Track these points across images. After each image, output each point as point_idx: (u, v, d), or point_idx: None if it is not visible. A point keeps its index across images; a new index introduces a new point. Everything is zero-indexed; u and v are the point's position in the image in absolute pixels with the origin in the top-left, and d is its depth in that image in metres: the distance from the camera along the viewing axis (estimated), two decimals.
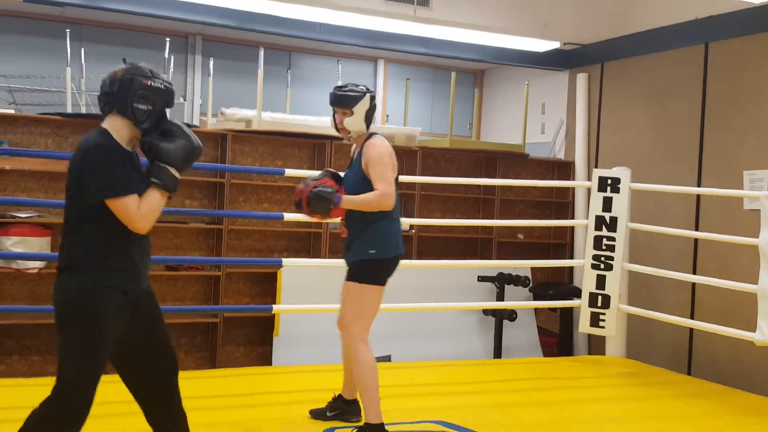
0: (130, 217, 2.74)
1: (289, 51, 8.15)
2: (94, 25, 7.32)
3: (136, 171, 2.86)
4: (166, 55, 6.46)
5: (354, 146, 3.93)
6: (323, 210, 3.70)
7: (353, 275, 3.75)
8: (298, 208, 3.79)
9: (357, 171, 3.75)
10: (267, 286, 6.31)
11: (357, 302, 3.72)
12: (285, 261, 5.37)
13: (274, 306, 5.59)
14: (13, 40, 6.95)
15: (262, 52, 6.37)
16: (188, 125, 6.01)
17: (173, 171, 2.86)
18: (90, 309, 2.74)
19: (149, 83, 2.84)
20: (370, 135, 3.80)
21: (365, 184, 3.69)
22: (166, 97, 2.89)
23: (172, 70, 6.62)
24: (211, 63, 6.80)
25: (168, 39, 6.61)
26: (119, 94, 2.81)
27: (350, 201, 3.68)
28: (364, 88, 3.81)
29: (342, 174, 3.92)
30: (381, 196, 3.65)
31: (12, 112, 5.97)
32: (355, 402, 3.98)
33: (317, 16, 6.27)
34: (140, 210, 2.76)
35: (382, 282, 3.76)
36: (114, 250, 2.80)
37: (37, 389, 3.26)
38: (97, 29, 7.36)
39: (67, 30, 6.15)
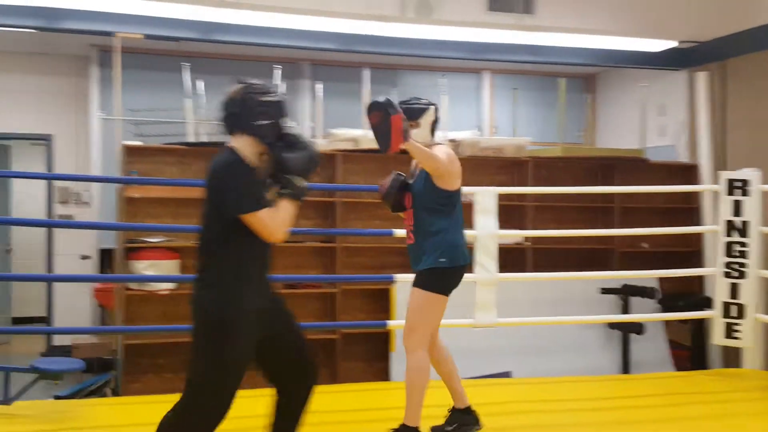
0: (267, 229, 2.86)
1: (393, 69, 8.22)
2: (209, 57, 7.66)
3: (263, 184, 2.97)
4: (277, 82, 6.66)
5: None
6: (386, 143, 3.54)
7: (421, 282, 3.78)
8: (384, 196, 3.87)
9: (424, 179, 3.78)
10: (381, 302, 6.35)
11: (421, 309, 3.77)
12: (397, 276, 5.39)
13: (388, 321, 5.62)
14: (137, 75, 7.38)
15: (366, 73, 6.45)
16: None
17: (300, 180, 2.95)
18: (227, 322, 2.86)
19: (265, 98, 2.95)
20: (434, 145, 3.83)
21: (432, 193, 3.74)
22: (282, 108, 3.00)
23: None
24: (319, 86, 6.94)
25: (278, 66, 6.81)
26: (240, 114, 2.93)
27: (416, 146, 3.60)
28: (427, 101, 3.87)
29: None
30: (439, 160, 3.66)
31: (139, 143, 6.32)
32: (469, 409, 4.00)
33: (421, 33, 6.29)
34: (275, 221, 2.88)
35: (447, 292, 3.79)
36: (249, 265, 2.93)
37: (169, 406, 3.42)
38: (213, 61, 7.69)
39: (185, 63, 6.46)
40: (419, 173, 3.86)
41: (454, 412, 4.03)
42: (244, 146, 2.94)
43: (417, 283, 3.80)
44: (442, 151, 3.77)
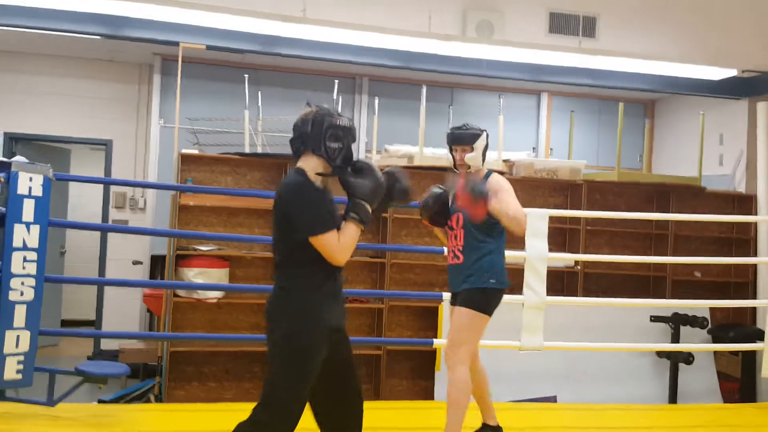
0: (332, 251, 2.95)
1: (450, 87, 8.24)
2: (269, 69, 7.76)
3: (330, 206, 3.07)
4: (335, 96, 6.73)
5: (459, 179, 4.00)
6: (476, 198, 3.71)
7: (469, 302, 3.86)
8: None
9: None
10: (429, 320, 6.34)
11: (469, 328, 3.85)
12: (446, 295, 5.37)
13: (435, 340, 5.61)
14: (197, 84, 7.52)
15: (424, 90, 6.49)
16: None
17: (367, 205, 3.03)
18: (298, 332, 2.94)
19: (338, 122, 3.04)
20: (489, 172, 3.99)
21: (485, 219, 3.81)
22: (352, 134, 3.10)
23: (340, 109, 6.87)
24: (377, 102, 7.00)
25: (336, 80, 6.89)
26: (312, 134, 3.01)
27: (502, 210, 3.76)
28: (479, 127, 4.02)
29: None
30: (522, 216, 3.81)
31: (196, 152, 6.43)
32: (499, 428, 4.14)
33: (480, 53, 6.30)
34: (341, 244, 2.96)
35: (491, 312, 3.89)
36: (322, 282, 3.01)
37: (214, 414, 3.47)
38: (272, 73, 7.80)
39: (245, 75, 6.57)
40: None
41: (484, 428, 4.14)
42: (314, 167, 3.03)
43: (465, 303, 3.88)
44: (504, 180, 3.94)
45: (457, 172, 4.07)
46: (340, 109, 6.70)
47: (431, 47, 6.16)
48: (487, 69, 6.86)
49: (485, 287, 3.85)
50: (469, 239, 3.89)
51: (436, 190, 4.04)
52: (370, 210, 3.04)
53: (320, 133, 3.00)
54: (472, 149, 3.96)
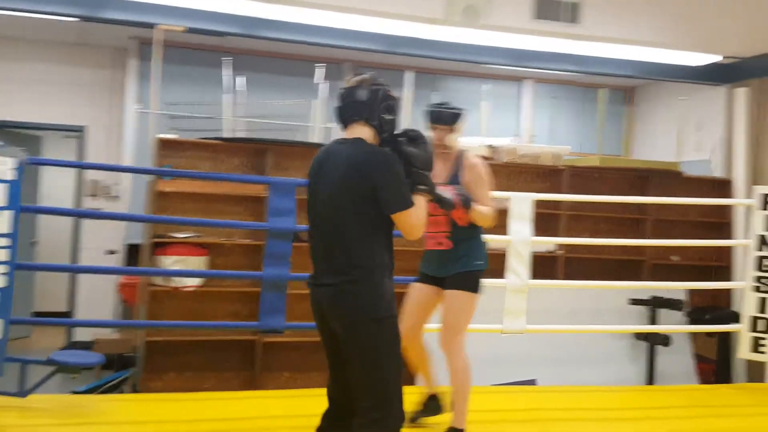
0: (414, 225, 2.86)
1: (434, 74, 8.20)
2: (249, 54, 7.66)
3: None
4: (319, 81, 6.65)
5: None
6: (465, 208, 3.72)
7: (462, 284, 3.81)
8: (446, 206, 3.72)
9: (456, 185, 3.80)
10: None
11: (464, 311, 3.82)
12: None
13: None
14: (174, 69, 7.38)
15: (408, 76, 6.44)
16: None
17: (429, 174, 2.98)
18: (390, 316, 2.85)
19: (392, 93, 2.99)
20: (463, 152, 3.91)
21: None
22: (399, 106, 3.05)
23: (323, 95, 6.81)
24: None
25: (319, 65, 6.81)
26: (369, 103, 2.91)
27: (479, 212, 3.76)
28: (458, 107, 3.94)
29: None
30: (495, 214, 3.83)
31: (175, 137, 6.33)
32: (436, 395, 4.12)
33: (465, 38, 6.27)
34: (419, 217, 2.89)
35: (481, 292, 3.88)
36: (390, 259, 2.92)
37: (193, 403, 3.37)
38: (253, 58, 7.69)
39: (227, 59, 6.46)
40: (449, 177, 3.86)
41: (431, 398, 4.14)
42: (368, 137, 2.92)
43: (458, 286, 3.82)
44: (481, 163, 3.88)
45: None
46: (323, 95, 6.75)
47: (416, 31, 6.11)
48: (472, 55, 6.84)
49: (472, 270, 3.84)
50: (459, 228, 3.85)
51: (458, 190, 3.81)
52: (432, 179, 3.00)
53: (376, 103, 2.91)
54: (452, 130, 3.87)
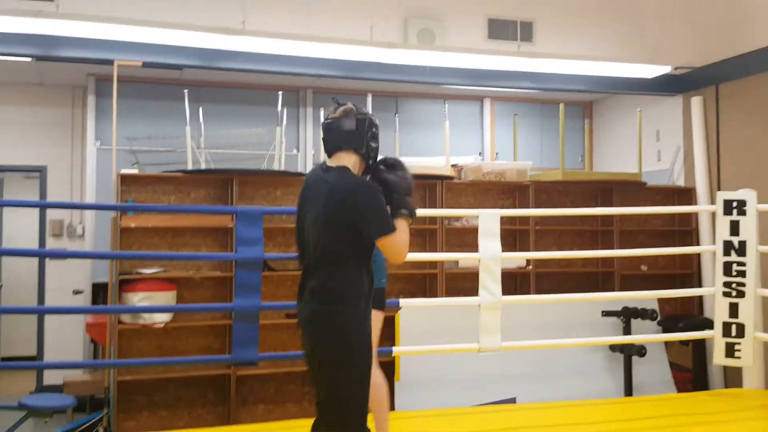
0: (398, 249, 2.93)
1: (395, 96, 8.25)
2: (209, 85, 7.64)
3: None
4: (279, 109, 6.65)
5: None
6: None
7: (376, 304, 3.71)
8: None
9: None
10: (385, 329, 6.26)
11: (379, 329, 3.80)
12: (402, 302, 5.35)
13: (393, 348, 5.56)
14: (134, 104, 7.34)
15: (369, 99, 6.47)
16: (300, 174, 6.15)
17: (409, 199, 3.04)
18: (364, 340, 2.90)
19: (376, 121, 3.09)
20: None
21: None
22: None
23: (285, 123, 6.80)
24: (322, 113, 6.95)
25: (280, 94, 6.81)
26: (357, 132, 2.99)
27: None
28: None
29: None
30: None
31: (136, 171, 6.26)
32: None
33: (422, 60, 6.33)
34: (403, 241, 2.94)
35: None
36: (367, 285, 2.97)
37: None
38: (213, 89, 7.67)
39: (185, 91, 6.44)
40: None
41: None
42: (353, 165, 3.00)
43: (380, 305, 3.80)
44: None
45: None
46: (285, 122, 6.76)
47: (374, 56, 6.16)
48: (430, 76, 6.89)
49: (382, 287, 3.85)
50: None
51: None
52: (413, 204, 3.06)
53: (363, 132, 2.99)
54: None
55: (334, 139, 3.03)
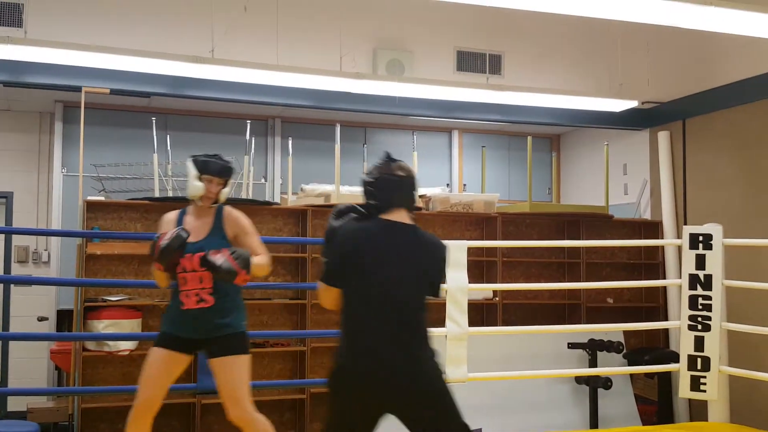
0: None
1: (364, 127, 8.29)
2: (177, 113, 7.63)
3: None
4: (248, 138, 6.66)
5: (185, 216, 3.87)
6: (244, 269, 3.61)
7: (239, 347, 3.71)
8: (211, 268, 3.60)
9: (221, 239, 3.78)
10: None
11: (246, 376, 3.70)
12: None
13: None
14: (101, 131, 7.31)
15: (338, 129, 6.50)
16: (268, 203, 6.13)
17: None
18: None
19: None
20: (222, 206, 3.89)
21: None
22: None
23: (253, 152, 6.81)
24: (290, 143, 6.96)
25: (249, 122, 6.82)
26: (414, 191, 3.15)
27: (257, 265, 3.74)
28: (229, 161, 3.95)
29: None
30: (270, 260, 3.85)
31: (102, 198, 6.21)
32: None
33: (391, 90, 6.38)
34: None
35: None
36: None
37: None
38: (181, 117, 7.66)
39: (153, 119, 6.43)
40: (212, 232, 3.80)
41: None
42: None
43: (235, 350, 3.69)
44: (242, 216, 3.92)
45: (199, 203, 3.82)
46: (253, 151, 6.76)
47: (343, 86, 6.18)
48: (399, 107, 6.94)
49: (243, 331, 3.75)
50: (222, 283, 3.66)
51: (182, 233, 3.62)
52: None
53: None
54: (226, 184, 3.84)
55: (411, 196, 3.12)
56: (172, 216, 3.90)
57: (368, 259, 2.98)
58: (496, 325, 6.63)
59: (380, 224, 3.05)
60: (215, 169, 3.80)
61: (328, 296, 3.06)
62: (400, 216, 3.06)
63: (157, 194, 6.26)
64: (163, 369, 3.72)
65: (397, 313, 2.96)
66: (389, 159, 3.14)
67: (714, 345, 5.45)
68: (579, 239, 7.05)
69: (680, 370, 5.59)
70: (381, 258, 2.99)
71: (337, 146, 6.46)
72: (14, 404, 7.28)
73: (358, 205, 3.14)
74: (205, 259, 3.60)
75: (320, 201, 6.48)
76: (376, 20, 7.19)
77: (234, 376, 3.65)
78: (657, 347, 7.16)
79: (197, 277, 3.68)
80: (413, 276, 3.01)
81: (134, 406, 3.73)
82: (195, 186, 3.78)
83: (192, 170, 3.80)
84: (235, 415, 3.65)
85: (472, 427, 5.89)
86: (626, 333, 6.80)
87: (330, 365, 3.00)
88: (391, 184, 3.06)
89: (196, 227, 3.78)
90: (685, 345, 5.56)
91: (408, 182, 3.11)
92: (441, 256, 3.16)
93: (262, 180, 7.84)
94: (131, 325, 5.71)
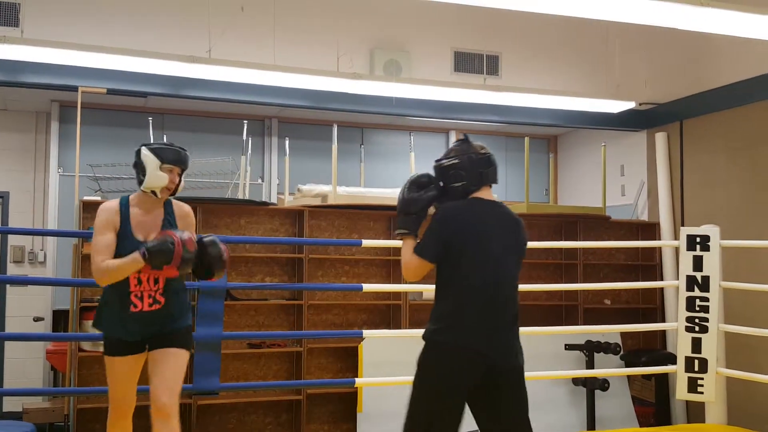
0: None
1: (361, 127, 8.28)
2: (173, 113, 7.61)
3: None
4: (244, 138, 6.65)
5: (131, 209, 3.52)
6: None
7: (184, 342, 3.52)
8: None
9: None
10: (349, 361, 6.25)
11: (185, 370, 3.53)
12: (365, 332, 5.31)
13: (356, 379, 5.52)
14: (98, 130, 7.29)
15: (335, 130, 6.49)
16: (265, 203, 6.12)
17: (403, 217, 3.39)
18: None
19: None
20: (170, 199, 3.63)
21: None
22: None
23: (250, 152, 6.79)
24: (287, 143, 6.95)
25: (245, 122, 6.80)
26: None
27: None
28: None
29: None
30: None
31: (98, 199, 6.19)
32: None
33: (388, 91, 6.37)
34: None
35: None
36: None
37: None
38: (178, 117, 7.65)
39: (150, 118, 6.41)
40: (163, 227, 3.53)
41: None
42: None
43: (182, 344, 3.51)
44: (191, 212, 3.69)
45: (157, 197, 3.52)
46: (249, 151, 6.75)
47: (340, 86, 6.17)
48: (396, 107, 6.94)
49: (189, 325, 3.62)
50: (171, 282, 3.49)
51: (185, 235, 3.37)
52: None
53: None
54: (182, 175, 3.61)
55: (488, 173, 3.25)
56: (113, 206, 3.52)
57: (475, 237, 3.10)
58: None
59: (478, 203, 3.19)
60: (179, 158, 3.53)
61: (420, 270, 3.16)
62: (487, 193, 3.22)
63: None
64: (129, 375, 3.53)
65: (502, 289, 3.11)
66: (467, 139, 3.28)
67: (711, 347, 5.45)
68: (576, 240, 7.04)
69: (677, 371, 5.60)
70: (487, 236, 3.12)
71: (334, 146, 6.45)
72: (10, 404, 7.27)
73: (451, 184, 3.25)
74: (213, 242, 3.43)
75: (317, 201, 6.48)
76: (373, 21, 7.19)
77: (177, 369, 3.45)
78: (654, 349, 7.16)
79: (153, 278, 3.45)
80: (512, 253, 3.18)
81: (111, 410, 3.59)
82: (158, 176, 3.47)
83: (151, 159, 3.48)
84: (163, 405, 3.36)
85: (470, 428, 5.92)
86: (623, 334, 6.80)
87: (431, 341, 3.08)
88: (479, 163, 3.21)
89: (146, 222, 3.51)
90: (682, 346, 5.56)
91: (493, 158, 3.27)
92: (525, 233, 3.28)
93: (259, 180, 7.82)
94: None
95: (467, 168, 3.19)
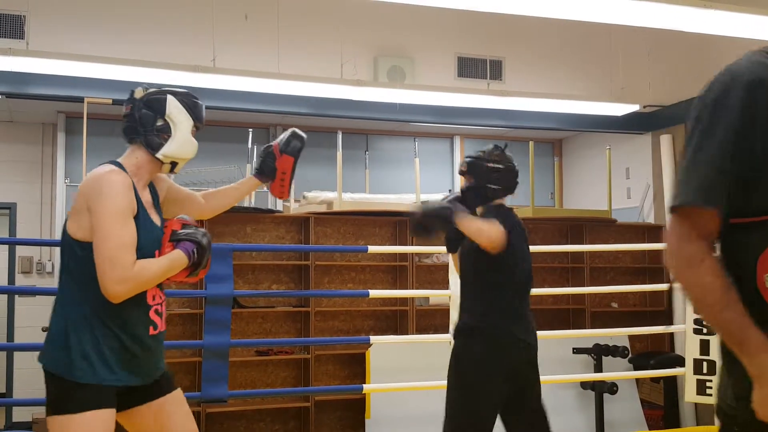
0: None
1: (366, 134, 8.29)
2: None
3: None
4: (249, 146, 6.67)
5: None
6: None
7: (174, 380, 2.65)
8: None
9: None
10: (356, 367, 6.25)
11: None
12: (372, 339, 5.32)
13: (364, 386, 5.52)
14: (104, 141, 7.29)
15: (340, 136, 6.51)
16: (271, 211, 6.13)
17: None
18: None
19: None
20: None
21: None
22: None
23: (255, 160, 6.81)
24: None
25: (250, 131, 6.83)
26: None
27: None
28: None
29: None
30: None
31: None
32: None
33: (392, 97, 6.39)
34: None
35: None
36: None
37: None
38: None
39: None
40: (157, 209, 2.66)
41: None
42: None
43: (175, 382, 2.63)
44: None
45: (173, 173, 2.72)
46: (255, 160, 6.75)
47: (344, 93, 6.20)
48: (401, 113, 6.95)
49: None
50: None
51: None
52: None
53: None
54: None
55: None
56: (125, 180, 2.45)
57: (525, 237, 3.50)
58: None
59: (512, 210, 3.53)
60: (203, 116, 2.65)
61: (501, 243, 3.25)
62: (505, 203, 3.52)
63: None
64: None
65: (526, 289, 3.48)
66: (505, 148, 3.58)
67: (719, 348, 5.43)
68: (582, 243, 7.03)
69: (686, 374, 5.58)
70: (527, 241, 3.51)
71: (339, 153, 6.46)
72: (19, 415, 7.29)
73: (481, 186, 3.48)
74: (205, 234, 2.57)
75: (323, 208, 6.49)
76: (376, 27, 7.20)
77: (189, 411, 2.59)
78: (662, 351, 7.13)
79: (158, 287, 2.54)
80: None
81: None
82: (190, 143, 2.60)
83: (184, 117, 2.57)
84: None
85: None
86: (631, 337, 6.77)
87: (488, 339, 3.28)
88: (515, 174, 3.56)
89: (148, 204, 2.56)
90: (690, 349, 5.54)
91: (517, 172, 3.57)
92: None
93: (264, 188, 7.82)
94: None
95: (506, 176, 3.51)
